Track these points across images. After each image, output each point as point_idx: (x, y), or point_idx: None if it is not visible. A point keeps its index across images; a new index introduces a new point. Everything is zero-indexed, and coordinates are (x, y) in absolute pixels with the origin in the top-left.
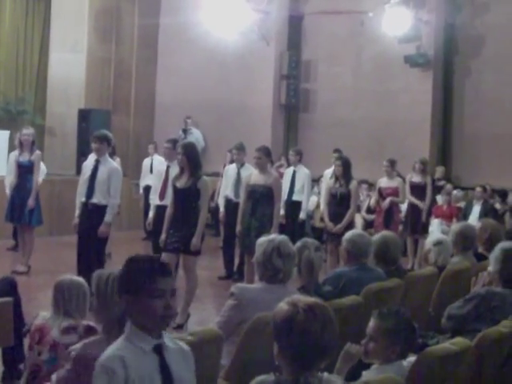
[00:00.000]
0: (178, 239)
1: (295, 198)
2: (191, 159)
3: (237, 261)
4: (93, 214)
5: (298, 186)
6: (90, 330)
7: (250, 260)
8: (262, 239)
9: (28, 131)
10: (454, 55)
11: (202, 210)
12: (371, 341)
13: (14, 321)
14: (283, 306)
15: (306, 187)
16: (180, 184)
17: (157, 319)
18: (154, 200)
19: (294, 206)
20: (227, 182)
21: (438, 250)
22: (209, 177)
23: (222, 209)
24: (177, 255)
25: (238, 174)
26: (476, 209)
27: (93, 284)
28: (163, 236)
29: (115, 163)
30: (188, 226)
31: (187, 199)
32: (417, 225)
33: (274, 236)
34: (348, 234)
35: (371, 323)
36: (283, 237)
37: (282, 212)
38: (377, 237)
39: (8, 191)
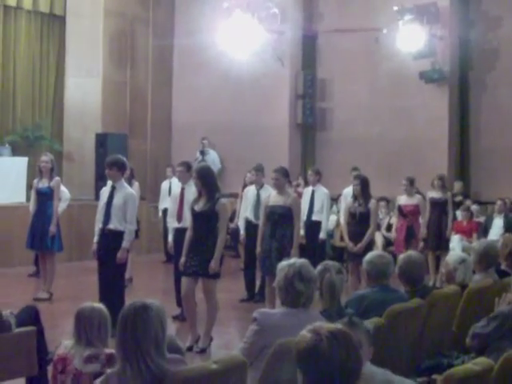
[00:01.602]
0: (196, 263)
1: (314, 217)
2: (206, 183)
3: (258, 283)
4: (110, 239)
5: (317, 206)
6: (112, 358)
7: (270, 282)
8: (283, 263)
9: (46, 158)
10: (469, 70)
11: (221, 232)
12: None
13: (37, 350)
14: (306, 333)
15: (326, 207)
16: (198, 207)
17: None
18: (172, 223)
19: (313, 226)
20: (247, 203)
21: (464, 268)
22: (227, 198)
23: (242, 231)
24: (196, 279)
25: (258, 195)
26: (497, 222)
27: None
28: (182, 259)
29: (131, 189)
30: (207, 249)
31: (206, 222)
32: (438, 241)
33: (295, 260)
34: (368, 256)
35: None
36: (304, 261)
37: (301, 232)
38: (401, 257)
39: None
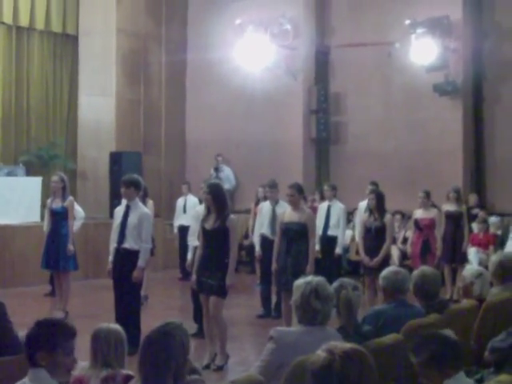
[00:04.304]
0: (208, 280)
1: (330, 232)
2: (217, 199)
3: (274, 299)
4: (125, 259)
5: (333, 221)
6: (128, 380)
7: (286, 298)
8: (300, 281)
9: (56, 178)
10: (482, 81)
11: (233, 248)
12: None
13: None
14: (320, 353)
15: (342, 222)
16: (208, 225)
17: None
18: (193, 241)
19: (329, 241)
20: (262, 219)
21: (481, 282)
22: (242, 214)
23: (257, 248)
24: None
25: (273, 211)
26: None
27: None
28: (194, 277)
29: (145, 208)
30: (217, 267)
31: (217, 240)
32: (453, 254)
33: (311, 278)
34: (384, 272)
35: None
36: (320, 278)
37: (317, 247)
38: (415, 273)
39: None
